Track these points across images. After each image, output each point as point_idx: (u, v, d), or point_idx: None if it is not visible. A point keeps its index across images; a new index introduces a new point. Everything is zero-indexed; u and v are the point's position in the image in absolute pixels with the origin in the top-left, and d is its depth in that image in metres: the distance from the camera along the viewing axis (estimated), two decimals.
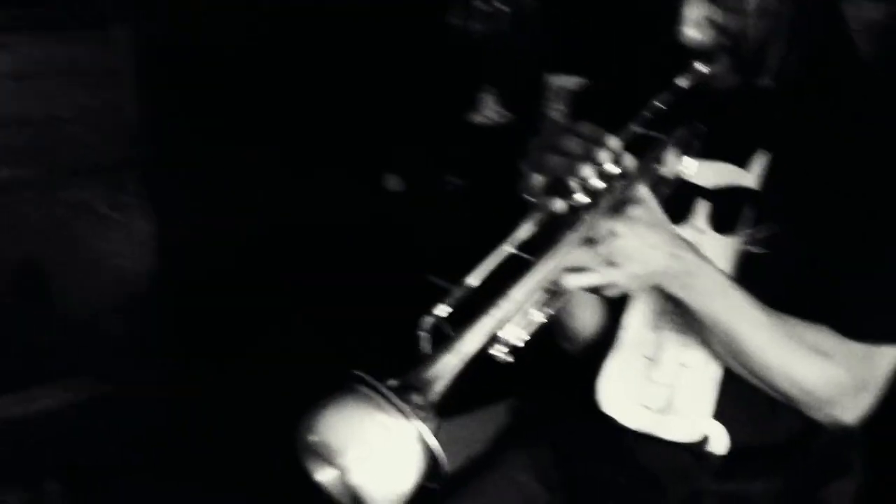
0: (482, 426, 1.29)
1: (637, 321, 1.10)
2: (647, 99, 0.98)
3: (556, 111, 2.18)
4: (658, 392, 1.08)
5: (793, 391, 0.98)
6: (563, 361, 1.19)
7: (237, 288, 2.96)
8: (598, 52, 2.10)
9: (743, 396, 1.05)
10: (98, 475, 2.26)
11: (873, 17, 1.57)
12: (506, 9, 2.24)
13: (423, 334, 0.75)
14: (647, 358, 1.09)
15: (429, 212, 2.84)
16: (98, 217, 2.70)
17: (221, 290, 2.92)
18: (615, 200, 0.85)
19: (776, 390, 0.99)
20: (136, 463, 2.31)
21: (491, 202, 2.50)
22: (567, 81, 2.15)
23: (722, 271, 0.96)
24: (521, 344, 0.82)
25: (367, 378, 0.66)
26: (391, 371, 0.71)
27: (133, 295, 2.82)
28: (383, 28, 2.95)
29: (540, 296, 0.82)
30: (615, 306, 1.10)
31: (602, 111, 1.16)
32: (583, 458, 1.14)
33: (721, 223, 1.05)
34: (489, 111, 2.42)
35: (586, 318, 1.11)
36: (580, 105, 1.28)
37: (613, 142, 0.85)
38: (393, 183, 2.91)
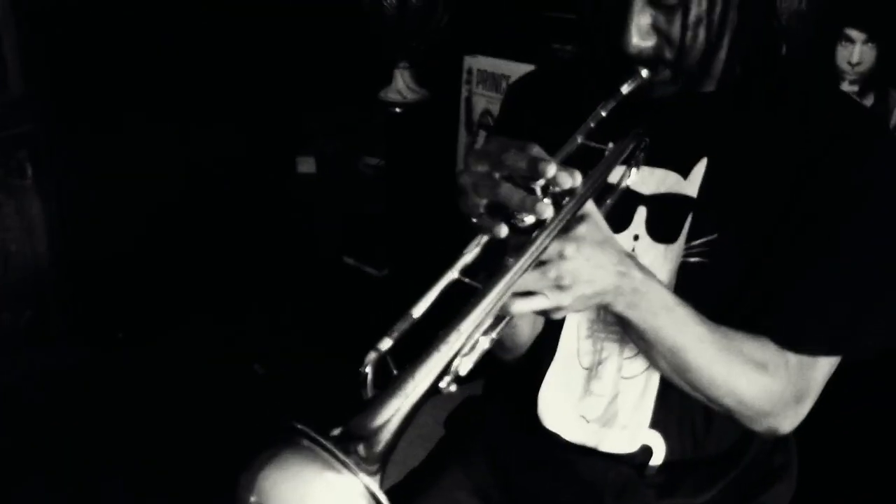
0: (418, 441, 1.25)
1: (574, 331, 1.07)
2: (590, 106, 0.95)
3: (474, 93, 2.14)
4: (598, 404, 1.06)
5: (733, 404, 0.97)
6: (500, 372, 1.15)
7: (138, 271, 2.85)
8: (517, 36, 2.08)
9: (679, 406, 1.04)
10: None
11: (795, 4, 1.57)
12: None
13: (365, 372, 0.70)
14: (585, 369, 1.07)
15: (342, 193, 2.78)
16: None
17: (121, 274, 2.80)
18: (562, 219, 0.81)
19: (717, 404, 0.97)
20: (32, 455, 2.22)
21: (406, 181, 2.46)
22: (483, 62, 2.11)
23: (666, 287, 0.93)
24: (466, 373, 0.77)
25: (309, 431, 0.60)
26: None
27: (26, 280, 2.68)
28: (294, 4, 2.84)
29: (486, 322, 0.77)
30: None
31: (542, 105, 1.15)
32: (522, 472, 1.12)
33: (661, 231, 1.03)
34: (403, 89, 2.35)
35: (526, 330, 1.08)
36: (519, 95, 1.23)
37: (555, 167, 0.81)
38: (305, 166, 2.82)
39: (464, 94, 2.17)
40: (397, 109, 2.34)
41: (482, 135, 2.13)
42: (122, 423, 2.35)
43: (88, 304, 2.76)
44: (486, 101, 2.11)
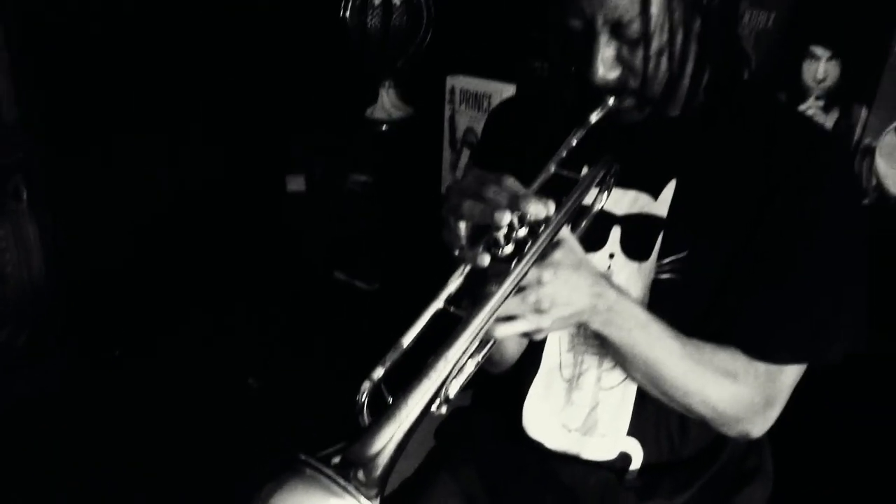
0: (410, 452, 1.30)
1: (556, 345, 1.13)
2: (563, 131, 1.01)
3: (457, 111, 2.19)
4: (579, 413, 1.12)
5: (707, 412, 1.03)
6: (487, 384, 1.21)
7: (133, 289, 2.89)
8: (497, 55, 2.13)
9: (655, 414, 1.10)
10: None
11: (762, 23, 1.64)
12: (401, 5, 2.23)
13: (361, 401, 0.75)
14: (566, 381, 1.13)
15: (332, 210, 2.82)
16: None
17: (116, 293, 2.85)
18: (539, 247, 0.87)
19: (691, 412, 1.04)
20: (29, 471, 2.26)
21: (393, 197, 2.52)
22: (464, 82, 2.16)
23: (640, 305, 1.00)
24: (454, 396, 0.83)
25: (313, 461, 0.66)
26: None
27: (23, 301, 2.71)
28: (280, 24, 2.89)
29: (472, 346, 0.83)
30: None
31: (518, 129, 1.21)
32: (508, 479, 1.17)
33: (634, 250, 1.09)
34: (389, 108, 2.41)
35: (512, 347, 1.13)
36: (498, 120, 1.30)
37: (534, 199, 0.87)
38: (295, 184, 2.87)
39: (447, 112, 2.22)
40: (383, 127, 2.39)
41: (465, 152, 2.19)
42: (120, 439, 2.38)
43: (85, 323, 2.80)
44: (468, 119, 2.16)
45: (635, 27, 0.96)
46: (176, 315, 2.99)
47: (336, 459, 0.68)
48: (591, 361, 1.12)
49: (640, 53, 0.98)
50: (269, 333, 2.93)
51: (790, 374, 1.04)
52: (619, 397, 1.11)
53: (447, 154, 2.25)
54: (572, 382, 1.13)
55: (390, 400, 0.75)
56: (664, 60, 0.99)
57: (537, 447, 1.15)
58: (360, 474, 0.68)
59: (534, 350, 1.15)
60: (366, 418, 0.75)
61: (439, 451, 1.30)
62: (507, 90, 2.05)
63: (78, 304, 2.82)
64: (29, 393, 2.56)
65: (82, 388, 2.64)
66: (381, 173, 2.52)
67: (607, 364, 1.10)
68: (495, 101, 2.05)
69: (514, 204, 0.85)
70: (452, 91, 2.20)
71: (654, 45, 0.97)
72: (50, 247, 2.70)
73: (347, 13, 2.25)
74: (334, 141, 2.92)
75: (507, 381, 1.18)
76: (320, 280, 2.93)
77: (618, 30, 0.97)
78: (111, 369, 2.75)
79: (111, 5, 2.75)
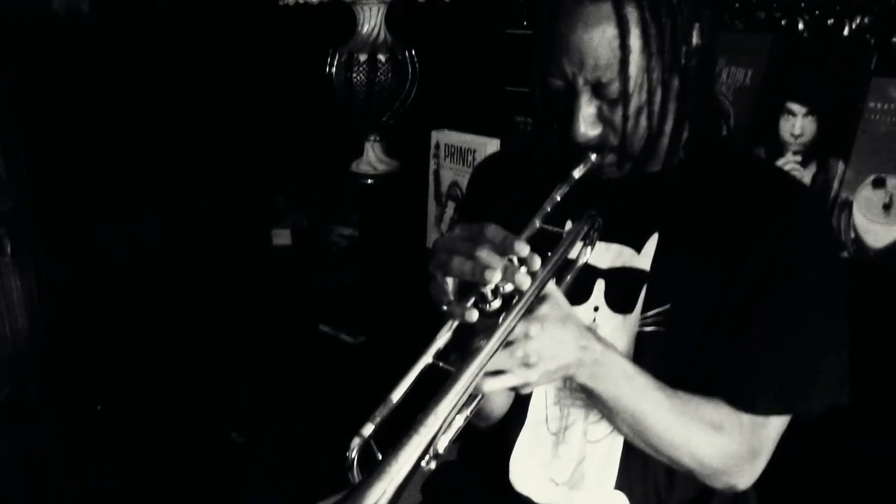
0: None
1: (542, 399, 1.14)
2: (547, 187, 1.03)
3: (441, 166, 2.22)
4: (566, 467, 1.13)
5: (693, 464, 1.04)
6: (473, 438, 1.21)
7: (116, 343, 2.87)
8: (481, 111, 2.17)
9: (642, 467, 1.11)
10: None
11: (740, 81, 1.68)
12: (387, 62, 2.26)
13: (351, 457, 0.76)
14: (553, 434, 1.13)
15: (317, 263, 2.83)
16: None
17: (99, 347, 2.83)
18: (526, 302, 0.88)
19: (678, 464, 1.04)
20: None
21: (379, 251, 2.53)
22: (449, 136, 2.19)
23: (625, 357, 1.01)
24: (443, 451, 0.83)
25: None
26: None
27: (5, 356, 2.70)
28: (267, 79, 2.93)
29: (461, 401, 0.84)
30: None
31: (505, 181, 1.23)
32: None
33: (618, 303, 1.10)
34: (374, 161, 2.43)
35: (500, 402, 1.14)
36: (482, 177, 1.32)
37: (521, 247, 0.88)
38: (281, 238, 2.88)
39: (432, 166, 2.25)
40: (369, 181, 2.41)
41: (450, 206, 2.21)
42: (103, 495, 2.35)
43: (67, 378, 2.78)
44: (453, 174, 2.19)
45: (615, 87, 0.98)
46: (159, 369, 2.97)
47: None
48: (577, 414, 1.12)
49: (619, 112, 1.01)
50: (254, 387, 2.91)
51: (775, 426, 1.05)
52: (606, 450, 1.11)
53: (432, 208, 2.27)
54: (559, 436, 1.13)
55: (380, 456, 0.76)
56: (643, 118, 1.02)
57: (525, 501, 1.15)
58: None
59: (520, 404, 1.15)
60: (356, 475, 0.75)
61: None
62: (492, 145, 2.08)
63: (61, 358, 2.80)
64: (10, 447, 2.53)
65: (64, 443, 2.61)
66: (366, 227, 2.53)
67: (593, 417, 1.11)
68: (480, 156, 2.08)
69: (503, 251, 0.87)
70: (437, 145, 2.23)
71: (633, 104, 1.00)
72: (33, 301, 2.69)
73: (333, 69, 2.28)
74: (320, 194, 2.94)
75: (493, 435, 1.18)
76: (305, 333, 2.92)
77: (598, 89, 1.00)
78: (93, 424, 2.72)
79: (98, 59, 2.78)
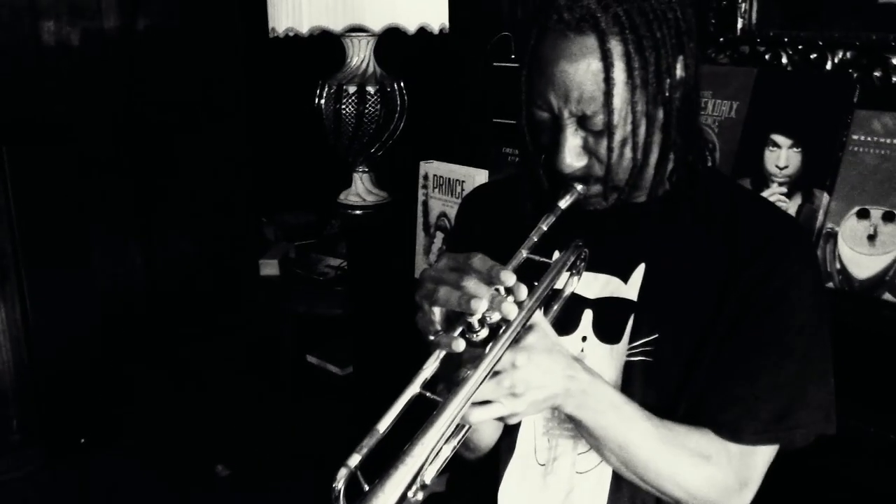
0: None
1: (531, 430, 1.14)
2: (533, 218, 1.04)
3: (430, 196, 2.23)
4: (554, 498, 1.12)
5: (681, 494, 1.03)
6: (462, 470, 1.20)
7: (100, 376, 2.85)
8: (469, 144, 2.18)
9: (630, 498, 1.10)
10: None
11: (725, 113, 1.70)
12: (376, 93, 2.28)
13: (337, 489, 0.75)
14: (541, 465, 1.13)
15: (305, 294, 2.82)
16: None
17: (83, 380, 2.80)
18: (513, 332, 0.88)
19: (666, 494, 1.04)
20: None
21: (367, 281, 2.53)
22: (437, 167, 2.21)
23: (613, 387, 1.01)
24: (431, 482, 0.83)
25: None
26: None
27: None
28: (257, 111, 2.95)
29: (448, 432, 0.83)
30: None
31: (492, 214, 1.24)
32: None
33: (606, 333, 1.11)
34: (363, 192, 2.44)
35: (488, 433, 1.13)
36: (470, 208, 1.32)
37: (508, 276, 0.89)
38: (269, 268, 2.88)
39: (420, 197, 2.26)
40: (357, 212, 2.41)
41: (439, 236, 2.21)
42: None
43: (51, 411, 2.75)
44: (441, 205, 2.20)
45: (600, 119, 1.00)
46: (144, 400, 2.95)
47: None
48: (565, 445, 1.12)
49: (604, 143, 1.02)
50: (239, 418, 2.89)
51: (763, 455, 1.06)
52: (595, 482, 1.10)
53: (421, 238, 2.27)
54: (547, 467, 1.13)
55: (367, 488, 0.75)
56: (628, 150, 1.03)
57: None
58: None
59: (508, 435, 1.15)
60: None
61: None
62: (480, 176, 2.09)
63: (44, 391, 2.77)
64: None
65: (48, 477, 2.58)
66: (354, 257, 2.53)
67: (582, 448, 1.11)
68: (468, 187, 2.09)
69: (487, 291, 0.87)
70: (426, 176, 2.24)
71: (618, 136, 1.01)
72: (18, 334, 2.67)
73: (322, 100, 2.29)
74: (309, 225, 2.95)
75: (482, 466, 1.17)
76: (293, 364, 2.91)
77: (583, 121, 1.01)
78: (77, 456, 2.69)
79: (85, 94, 2.79)
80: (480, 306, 0.85)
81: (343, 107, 2.27)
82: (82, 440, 2.74)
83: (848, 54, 1.65)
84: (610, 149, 1.02)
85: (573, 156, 1.03)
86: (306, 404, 2.80)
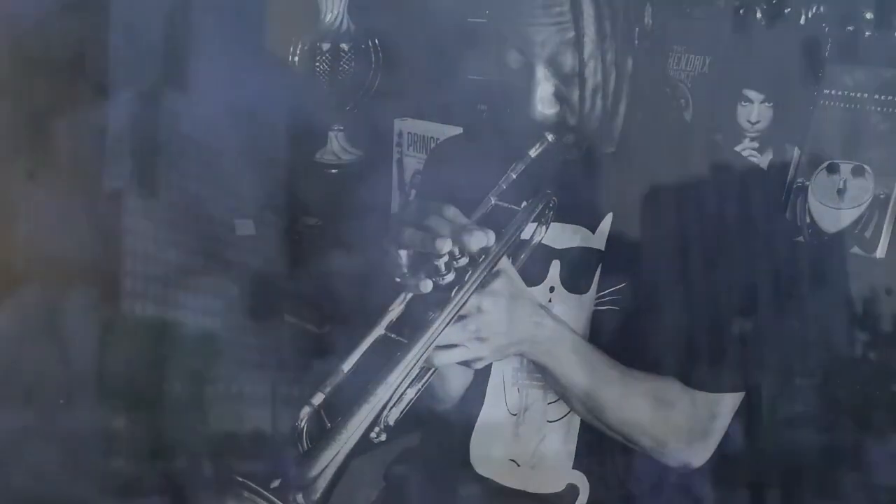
0: (360, 494, 1.30)
1: (500, 380, 1.14)
2: (503, 167, 1.04)
3: (405, 154, 2.22)
4: (526, 447, 1.13)
5: (645, 441, 1.05)
6: (434, 423, 1.21)
7: None
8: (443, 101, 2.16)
9: (599, 446, 1.11)
10: None
11: (699, 68, 1.69)
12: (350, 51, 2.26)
13: (300, 426, 0.76)
14: (513, 415, 1.14)
15: (281, 253, 2.81)
16: None
17: None
18: (479, 276, 0.89)
19: (631, 441, 1.05)
20: None
21: (344, 240, 2.52)
22: (412, 125, 2.19)
23: (578, 335, 1.02)
24: (394, 423, 0.84)
25: (251, 484, 0.66)
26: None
27: None
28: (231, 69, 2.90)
29: (412, 374, 0.84)
30: None
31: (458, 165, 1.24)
32: None
33: (574, 283, 1.11)
34: (338, 151, 2.42)
35: (457, 381, 1.14)
36: (440, 157, 1.32)
37: (473, 217, 0.89)
38: (244, 228, 2.85)
39: (395, 155, 2.24)
40: (333, 171, 2.40)
41: (413, 194, 2.21)
42: None
43: None
44: (416, 163, 2.19)
45: (570, 65, 0.99)
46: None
47: (275, 483, 0.69)
48: (535, 395, 1.13)
49: (576, 92, 1.02)
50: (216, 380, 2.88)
51: (727, 403, 1.07)
52: (564, 430, 1.11)
53: (397, 197, 2.26)
54: (519, 417, 1.14)
55: (329, 426, 0.76)
56: (599, 99, 1.03)
57: (486, 483, 1.15)
58: (300, 497, 0.69)
59: (478, 386, 1.15)
60: (305, 443, 0.75)
61: (389, 491, 1.29)
62: (455, 133, 2.08)
63: None
64: None
65: None
66: (330, 216, 2.51)
67: (552, 397, 1.11)
68: None
69: (455, 233, 0.87)
70: (401, 135, 2.22)
71: (590, 85, 1.01)
72: None
73: (296, 58, 2.27)
74: (284, 184, 2.91)
75: (453, 417, 1.18)
76: (271, 324, 2.90)
77: (554, 70, 1.01)
78: None
79: None
80: (445, 245, 0.86)
81: (317, 65, 2.24)
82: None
83: (821, 8, 1.64)
84: (582, 98, 1.02)
85: (544, 103, 1.03)
86: (284, 363, 2.79)
